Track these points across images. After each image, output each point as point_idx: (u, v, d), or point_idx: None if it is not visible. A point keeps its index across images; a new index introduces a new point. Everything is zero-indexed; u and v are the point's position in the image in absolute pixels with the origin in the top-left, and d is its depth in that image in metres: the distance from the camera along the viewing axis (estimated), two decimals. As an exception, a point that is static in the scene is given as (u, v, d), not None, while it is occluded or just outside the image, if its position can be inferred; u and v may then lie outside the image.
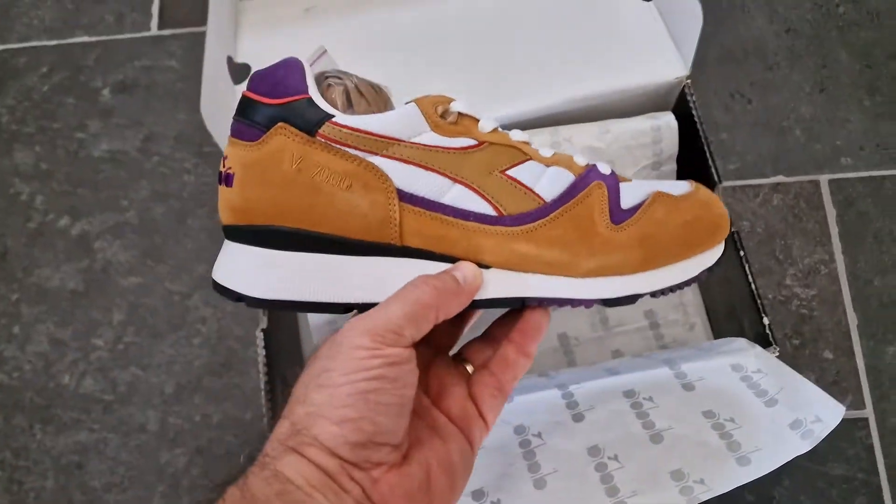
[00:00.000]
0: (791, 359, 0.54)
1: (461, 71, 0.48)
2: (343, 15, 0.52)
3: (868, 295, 0.55)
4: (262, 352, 0.41)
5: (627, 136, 0.47)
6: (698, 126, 0.46)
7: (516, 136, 0.30)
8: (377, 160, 0.27)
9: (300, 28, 0.52)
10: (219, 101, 0.45)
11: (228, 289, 0.28)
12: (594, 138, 0.47)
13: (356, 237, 0.27)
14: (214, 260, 0.29)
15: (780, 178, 0.59)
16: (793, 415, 0.33)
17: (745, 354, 0.38)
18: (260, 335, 0.42)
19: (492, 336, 0.31)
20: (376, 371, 0.24)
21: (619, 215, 0.28)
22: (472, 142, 0.28)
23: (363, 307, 0.27)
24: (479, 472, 0.33)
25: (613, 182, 0.29)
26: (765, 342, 0.41)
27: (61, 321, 0.57)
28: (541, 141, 0.46)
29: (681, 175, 0.49)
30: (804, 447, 0.31)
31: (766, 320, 0.41)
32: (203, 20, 0.47)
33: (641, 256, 0.28)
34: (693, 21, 0.43)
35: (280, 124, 0.27)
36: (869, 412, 0.52)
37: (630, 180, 0.30)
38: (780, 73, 0.63)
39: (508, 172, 0.28)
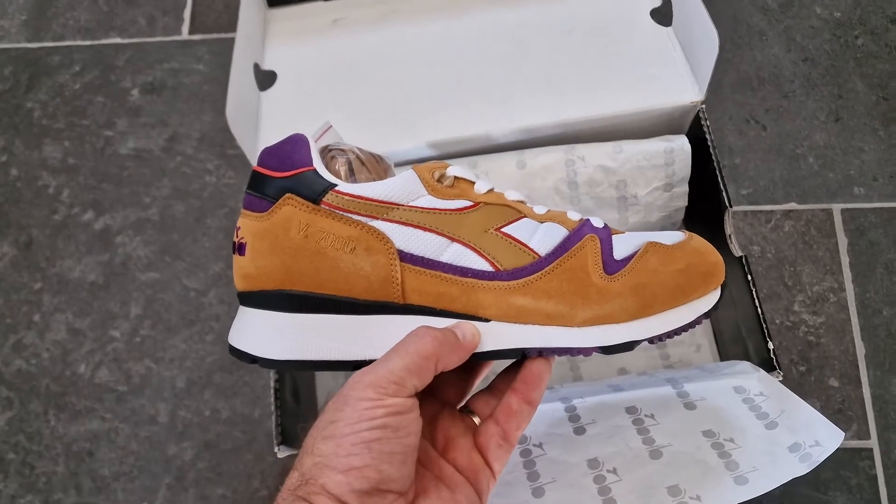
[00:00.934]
0: (797, 385, 0.53)
1: (481, 83, 0.49)
2: (369, 28, 0.53)
3: (876, 325, 0.55)
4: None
5: (641, 156, 0.47)
6: (711, 150, 0.46)
7: (511, 195, 0.31)
8: (378, 224, 0.28)
9: (327, 39, 0.53)
10: (244, 106, 0.47)
11: (244, 352, 0.29)
12: (608, 157, 0.47)
13: (361, 297, 0.29)
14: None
15: (793, 205, 0.59)
16: (792, 438, 0.33)
17: (749, 377, 0.39)
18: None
19: (496, 387, 0.31)
20: (380, 420, 0.24)
21: (612, 266, 0.29)
22: (467, 203, 0.29)
23: (371, 364, 0.28)
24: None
25: (606, 234, 0.30)
26: (769, 366, 0.41)
27: (80, 311, 0.59)
28: (553, 159, 0.47)
29: (693, 197, 0.49)
30: (802, 470, 0.31)
31: (771, 345, 0.41)
32: (232, 27, 0.49)
33: (636, 305, 0.29)
34: (710, 46, 0.44)
35: (288, 195, 0.28)
36: (874, 442, 0.52)
37: (623, 232, 0.31)
38: (796, 101, 0.63)
39: (503, 230, 0.29)
